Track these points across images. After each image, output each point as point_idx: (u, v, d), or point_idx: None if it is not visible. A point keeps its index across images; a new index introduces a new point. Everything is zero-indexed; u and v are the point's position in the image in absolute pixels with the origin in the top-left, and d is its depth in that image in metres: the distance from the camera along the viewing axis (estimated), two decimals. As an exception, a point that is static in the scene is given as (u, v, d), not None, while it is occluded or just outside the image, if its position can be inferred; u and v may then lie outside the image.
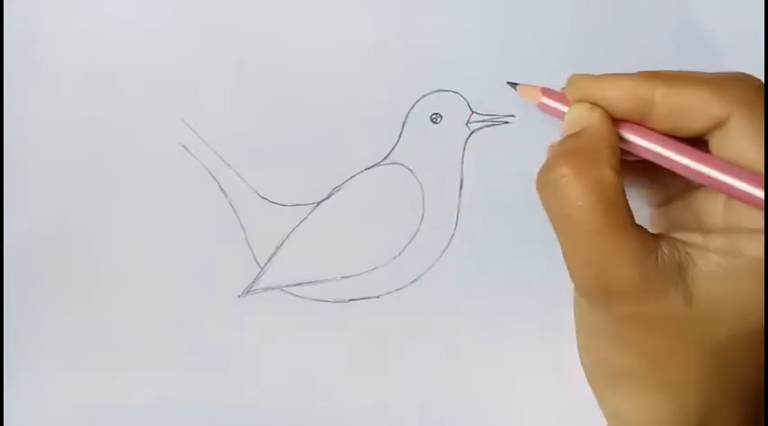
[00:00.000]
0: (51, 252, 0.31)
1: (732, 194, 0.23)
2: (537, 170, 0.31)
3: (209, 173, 0.31)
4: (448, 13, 0.31)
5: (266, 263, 0.31)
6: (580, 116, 0.25)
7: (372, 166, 0.31)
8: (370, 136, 0.31)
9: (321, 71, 0.31)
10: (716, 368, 0.23)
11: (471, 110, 0.31)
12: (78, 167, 0.31)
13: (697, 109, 0.22)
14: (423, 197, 0.31)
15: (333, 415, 0.32)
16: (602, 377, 0.26)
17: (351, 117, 0.31)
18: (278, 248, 0.31)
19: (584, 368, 0.26)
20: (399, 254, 0.31)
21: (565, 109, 0.26)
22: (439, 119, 0.31)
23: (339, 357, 0.32)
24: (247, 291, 0.31)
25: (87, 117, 0.31)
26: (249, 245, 0.31)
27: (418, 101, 0.31)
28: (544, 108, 0.28)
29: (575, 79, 0.25)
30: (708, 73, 0.24)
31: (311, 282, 0.31)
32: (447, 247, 0.31)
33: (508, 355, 0.31)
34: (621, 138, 0.24)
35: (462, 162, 0.31)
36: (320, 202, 0.31)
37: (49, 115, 0.31)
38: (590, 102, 0.25)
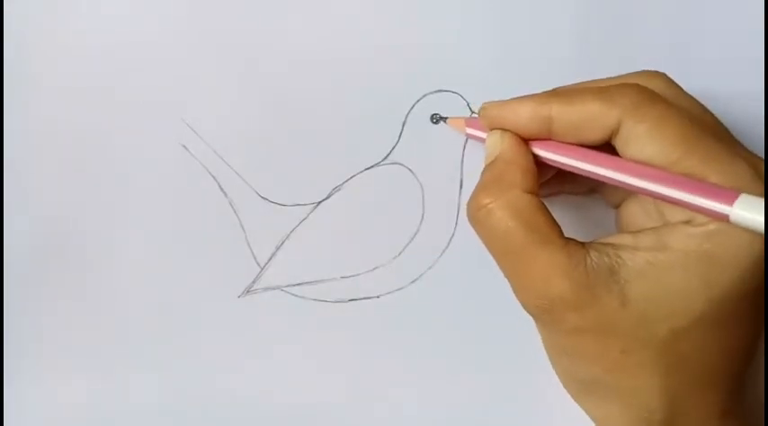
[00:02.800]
0: (51, 253, 0.31)
1: (636, 191, 0.23)
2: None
3: (209, 173, 0.31)
4: (448, 13, 0.31)
5: (266, 263, 0.31)
6: (494, 144, 0.26)
7: (372, 166, 0.31)
8: (370, 136, 0.31)
9: (321, 71, 0.31)
10: (668, 363, 0.23)
11: (471, 110, 0.31)
12: (78, 167, 0.31)
13: (590, 121, 0.24)
14: (423, 197, 0.31)
15: (332, 415, 0.32)
16: (571, 388, 0.27)
17: (351, 117, 0.31)
18: (278, 248, 0.31)
19: (558, 378, 0.27)
20: (399, 254, 0.31)
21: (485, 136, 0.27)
22: (438, 120, 0.31)
23: (339, 357, 0.32)
24: (247, 291, 0.31)
25: (87, 117, 0.31)
26: (249, 245, 0.31)
27: (418, 101, 0.31)
28: (472, 138, 0.30)
29: (484, 107, 0.27)
30: (602, 81, 0.26)
31: (311, 282, 0.31)
32: (447, 247, 0.31)
33: (509, 355, 0.31)
34: (537, 156, 0.26)
35: (462, 162, 0.31)
36: (320, 202, 0.31)
37: (50, 115, 0.31)
38: (501, 129, 0.26)
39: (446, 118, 0.31)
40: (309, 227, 0.31)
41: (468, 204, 0.25)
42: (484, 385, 0.31)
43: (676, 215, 0.23)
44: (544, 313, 0.24)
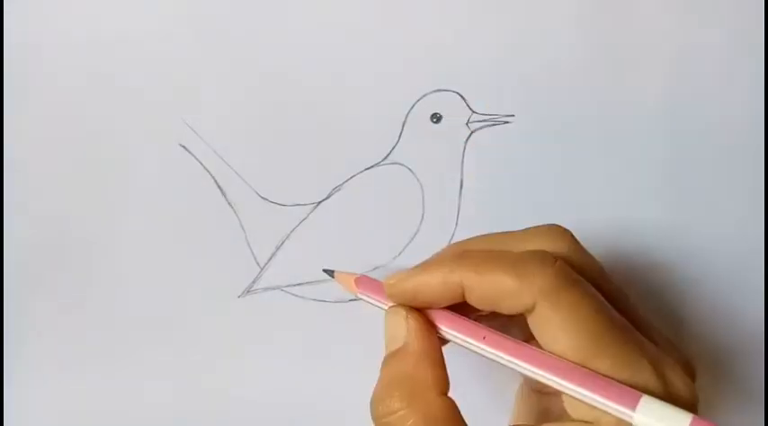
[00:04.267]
0: (51, 252, 0.31)
1: (550, 385, 0.22)
2: (537, 170, 0.31)
3: (209, 173, 0.31)
4: (448, 13, 0.31)
5: (266, 263, 0.31)
6: (397, 327, 0.24)
7: (372, 166, 0.31)
8: (370, 136, 0.31)
9: (321, 71, 0.31)
10: None
11: (471, 110, 0.31)
12: (78, 167, 0.31)
13: (505, 296, 0.22)
14: (423, 197, 0.31)
15: (333, 414, 0.32)
16: None
17: (351, 117, 0.31)
18: (278, 248, 0.31)
19: None
20: (399, 254, 0.31)
21: (383, 306, 0.25)
22: (439, 120, 0.31)
23: (339, 357, 0.32)
24: (247, 291, 0.31)
25: (87, 117, 0.31)
26: (249, 245, 0.31)
27: (418, 101, 0.31)
28: (365, 300, 0.27)
29: (390, 284, 0.24)
30: (514, 253, 0.23)
31: (311, 282, 0.31)
32: (447, 247, 0.31)
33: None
34: (444, 338, 0.24)
35: (462, 162, 0.31)
36: (320, 202, 0.31)
37: (50, 115, 0.31)
38: (406, 307, 0.24)
39: (332, 272, 0.29)
40: (309, 227, 0.31)
41: (375, 405, 0.23)
42: (483, 383, 0.31)
43: (579, 410, 0.22)
44: None
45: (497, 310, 0.23)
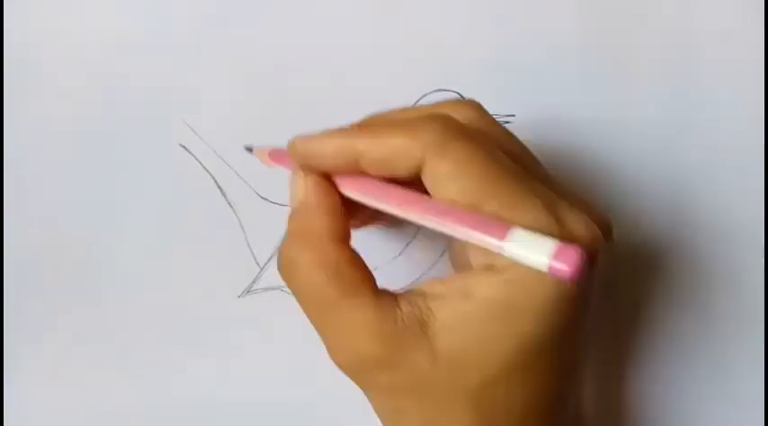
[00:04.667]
0: (51, 253, 0.31)
1: (452, 233, 0.22)
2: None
3: (209, 173, 0.31)
4: (448, 13, 0.31)
5: (266, 263, 0.31)
6: (298, 186, 0.25)
7: (372, 166, 0.31)
8: (370, 136, 0.31)
9: (321, 71, 0.31)
10: (482, 413, 0.22)
11: (471, 110, 0.31)
12: (78, 167, 0.31)
13: (396, 156, 0.22)
14: (423, 197, 0.31)
15: (333, 414, 0.32)
16: None
17: (351, 117, 0.31)
18: (278, 248, 0.31)
19: None
20: (399, 254, 0.31)
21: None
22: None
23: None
24: (247, 291, 0.31)
25: (87, 117, 0.31)
26: (249, 245, 0.31)
27: (418, 101, 0.31)
28: (277, 169, 0.28)
29: (292, 143, 0.25)
30: (414, 111, 0.24)
31: (311, 282, 0.31)
32: (447, 247, 0.31)
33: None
34: (345, 196, 0.24)
35: (462, 162, 0.31)
36: (320, 202, 0.31)
37: (49, 115, 0.31)
38: (307, 168, 0.25)
39: (251, 148, 0.29)
40: (309, 227, 0.31)
41: (278, 258, 0.24)
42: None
43: (478, 257, 0.22)
44: (357, 373, 0.23)
45: (393, 174, 0.23)
